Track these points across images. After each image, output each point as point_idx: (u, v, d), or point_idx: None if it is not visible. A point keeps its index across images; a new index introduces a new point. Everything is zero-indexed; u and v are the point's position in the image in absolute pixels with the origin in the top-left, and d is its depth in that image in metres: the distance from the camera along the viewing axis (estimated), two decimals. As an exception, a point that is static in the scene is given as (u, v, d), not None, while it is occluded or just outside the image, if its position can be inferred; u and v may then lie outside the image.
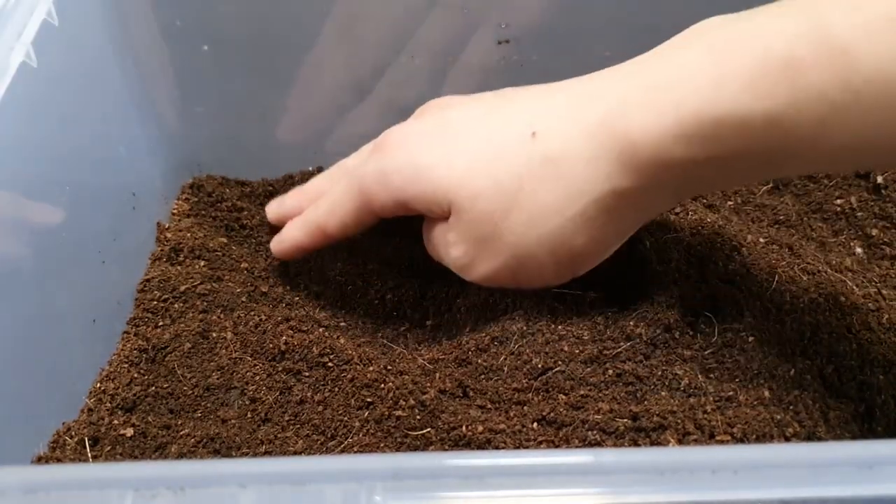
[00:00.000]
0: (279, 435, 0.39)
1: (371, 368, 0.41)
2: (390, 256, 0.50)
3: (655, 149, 0.35)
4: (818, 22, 0.32)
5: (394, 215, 0.44)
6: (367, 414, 0.39)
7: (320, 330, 0.45)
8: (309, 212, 0.48)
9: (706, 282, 0.42)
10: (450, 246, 0.42)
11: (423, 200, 0.41)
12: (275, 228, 0.52)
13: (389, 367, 0.41)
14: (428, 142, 0.42)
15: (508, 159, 0.39)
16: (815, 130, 0.32)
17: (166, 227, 0.53)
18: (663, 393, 0.37)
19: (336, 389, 0.41)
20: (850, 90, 0.31)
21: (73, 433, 0.40)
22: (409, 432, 0.38)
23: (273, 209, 0.53)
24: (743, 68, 0.33)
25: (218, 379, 0.42)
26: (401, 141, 0.43)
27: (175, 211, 0.56)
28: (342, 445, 0.38)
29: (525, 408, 0.38)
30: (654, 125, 0.35)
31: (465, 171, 0.40)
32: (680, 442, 0.35)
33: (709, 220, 0.47)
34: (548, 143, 0.38)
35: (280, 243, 0.49)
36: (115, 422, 0.40)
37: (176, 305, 0.47)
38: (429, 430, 0.37)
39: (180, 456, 0.38)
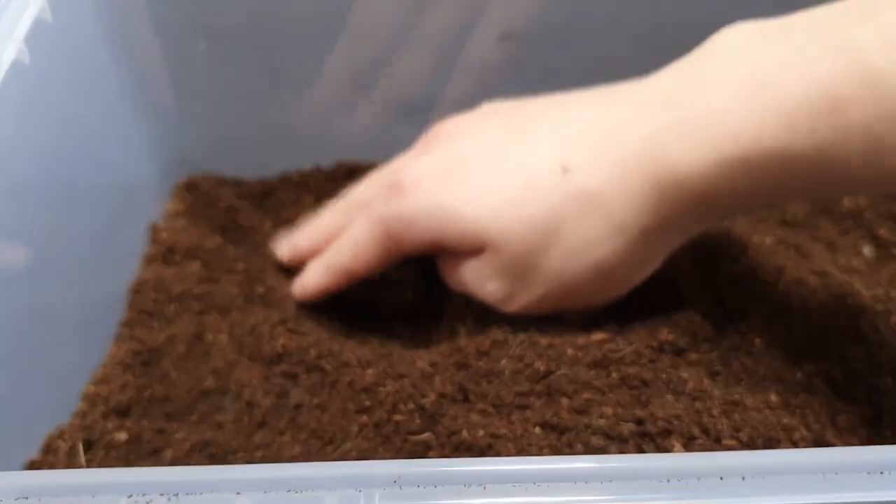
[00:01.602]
0: (276, 439, 0.38)
1: (369, 372, 0.40)
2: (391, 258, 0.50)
3: (699, 185, 0.35)
4: (857, 56, 0.31)
5: (423, 254, 0.44)
6: (365, 418, 0.38)
7: (317, 332, 0.45)
8: (331, 256, 0.47)
9: (712, 283, 0.41)
10: (485, 281, 0.42)
11: (452, 242, 0.41)
12: (273, 230, 0.52)
13: (388, 371, 0.41)
14: (447, 180, 0.41)
15: (540, 196, 0.39)
16: (860, 162, 0.32)
17: (161, 227, 0.53)
18: (669, 397, 0.37)
19: (334, 393, 0.40)
20: (894, 122, 0.31)
21: (65, 437, 0.40)
22: (409, 437, 0.37)
23: (287, 251, 0.51)
24: (783, 106, 0.32)
25: (213, 382, 0.42)
26: (418, 181, 0.42)
27: (170, 211, 0.55)
28: (340, 450, 0.38)
29: (527, 412, 0.38)
30: (697, 162, 0.35)
31: (495, 210, 0.39)
32: (686, 447, 0.35)
33: (714, 220, 0.47)
34: (582, 179, 0.38)
35: (304, 288, 0.48)
36: (109, 426, 0.40)
37: (171, 307, 0.47)
38: (428, 434, 0.37)
39: (175, 461, 0.38)
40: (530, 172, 0.39)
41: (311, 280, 0.48)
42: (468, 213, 0.40)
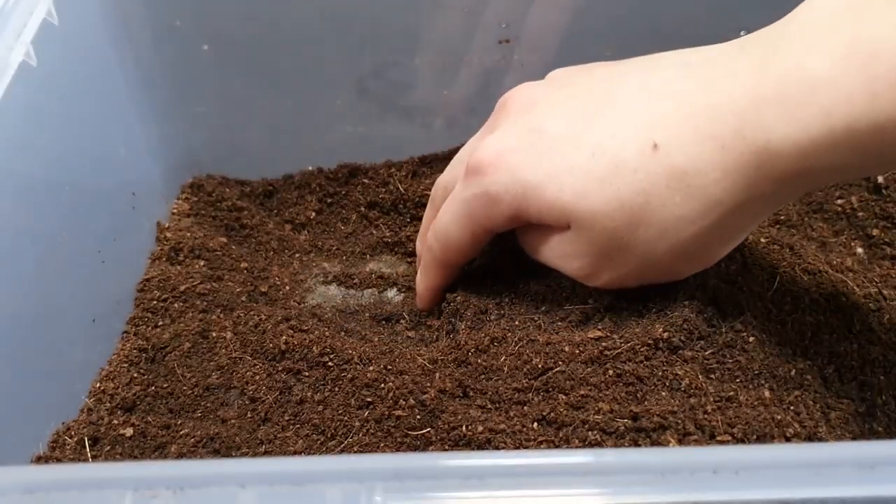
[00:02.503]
0: (279, 435, 0.39)
1: (371, 368, 0.41)
2: (390, 257, 0.50)
3: (800, 159, 0.33)
4: None
5: (508, 229, 0.43)
6: (367, 414, 0.39)
7: (320, 329, 0.45)
8: (426, 255, 0.46)
9: (707, 282, 0.41)
10: (570, 258, 0.40)
11: (536, 218, 0.40)
12: (276, 229, 0.52)
13: (389, 367, 0.41)
14: (527, 156, 0.39)
15: (629, 175, 0.37)
16: None
17: (166, 226, 0.53)
18: (664, 393, 0.37)
19: (336, 389, 0.40)
20: None
21: (72, 433, 0.40)
22: (409, 432, 0.38)
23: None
24: (883, 72, 0.31)
25: (217, 379, 0.42)
26: (497, 159, 0.40)
27: (175, 210, 0.56)
28: (342, 445, 0.38)
29: (525, 408, 0.38)
30: (800, 136, 0.33)
31: (581, 189, 0.38)
32: (680, 442, 0.35)
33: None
34: (673, 157, 0.36)
35: (418, 295, 0.48)
36: (115, 421, 0.40)
37: (176, 305, 0.47)
38: (429, 430, 0.37)
39: (180, 456, 0.38)
40: (617, 149, 0.37)
41: (419, 285, 0.48)
42: (552, 190, 0.38)
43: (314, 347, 0.42)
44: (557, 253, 0.41)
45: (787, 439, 0.36)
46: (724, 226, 0.37)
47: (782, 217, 0.51)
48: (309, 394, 0.41)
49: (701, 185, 0.36)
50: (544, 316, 0.43)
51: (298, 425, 0.39)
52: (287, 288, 0.50)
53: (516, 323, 0.43)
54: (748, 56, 0.35)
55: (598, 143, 0.38)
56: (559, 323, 0.42)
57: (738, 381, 0.38)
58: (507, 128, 0.41)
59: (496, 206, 0.40)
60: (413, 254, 0.53)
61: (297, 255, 0.54)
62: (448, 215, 0.43)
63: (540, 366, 0.39)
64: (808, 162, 0.33)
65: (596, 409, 0.37)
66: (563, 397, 0.38)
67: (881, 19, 0.32)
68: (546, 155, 0.39)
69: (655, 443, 0.35)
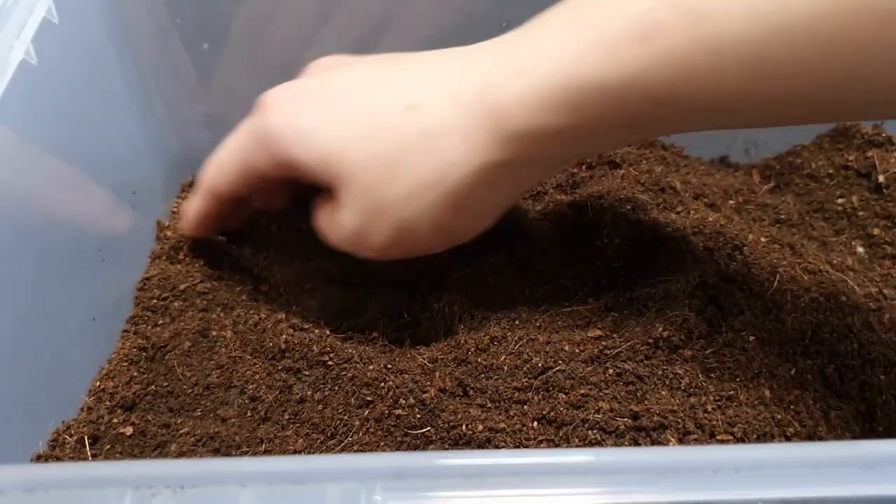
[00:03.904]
0: (279, 434, 0.39)
1: (371, 367, 0.41)
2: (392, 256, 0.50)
3: (526, 119, 0.36)
4: None
5: (280, 177, 0.43)
6: (367, 413, 0.39)
7: (320, 328, 0.45)
8: (202, 178, 0.47)
9: (707, 281, 0.42)
10: (340, 226, 0.41)
11: (304, 166, 0.41)
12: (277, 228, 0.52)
13: (389, 366, 0.41)
14: (308, 103, 0.41)
15: (385, 131, 0.39)
16: (674, 91, 0.33)
17: (166, 225, 0.53)
18: (664, 392, 0.37)
19: (336, 388, 0.40)
20: (711, 52, 0.32)
21: (72, 432, 0.40)
22: (409, 431, 0.38)
23: None
24: (603, 37, 0.34)
25: (217, 378, 0.42)
26: (280, 100, 0.42)
27: (175, 209, 0.56)
28: (342, 444, 0.38)
29: (525, 407, 0.38)
30: (523, 96, 0.36)
31: (345, 140, 0.39)
32: (680, 441, 0.35)
33: (710, 219, 0.47)
34: (424, 117, 0.38)
35: (184, 217, 0.49)
36: (115, 420, 0.40)
37: (175, 304, 0.47)
38: (429, 428, 0.37)
39: (180, 455, 0.38)
40: (380, 107, 0.39)
41: (187, 207, 0.48)
42: (321, 139, 0.40)
43: (314, 346, 0.42)
44: (332, 225, 0.42)
45: (788, 439, 0.36)
46: (464, 193, 0.38)
47: (783, 216, 0.51)
48: (309, 393, 0.41)
49: (445, 146, 0.38)
50: (544, 315, 0.43)
51: (298, 424, 0.39)
52: (287, 287, 0.50)
53: (516, 322, 0.43)
54: (506, 36, 0.38)
55: (368, 100, 0.40)
56: (559, 322, 0.42)
57: (738, 380, 0.38)
58: (301, 79, 0.44)
59: (270, 144, 0.41)
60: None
61: (298, 254, 0.54)
62: (227, 145, 0.45)
63: (540, 365, 0.39)
64: (535, 125, 0.36)
65: (596, 408, 0.37)
66: (564, 396, 0.38)
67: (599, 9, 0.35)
68: (325, 106, 0.41)
69: (655, 442, 0.35)
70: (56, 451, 0.39)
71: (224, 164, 0.45)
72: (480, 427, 0.37)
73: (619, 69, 0.33)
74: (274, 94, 0.43)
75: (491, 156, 0.37)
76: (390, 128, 0.39)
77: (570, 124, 0.35)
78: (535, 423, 0.37)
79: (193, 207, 0.48)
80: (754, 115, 0.35)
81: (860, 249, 0.49)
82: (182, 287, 0.48)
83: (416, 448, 0.37)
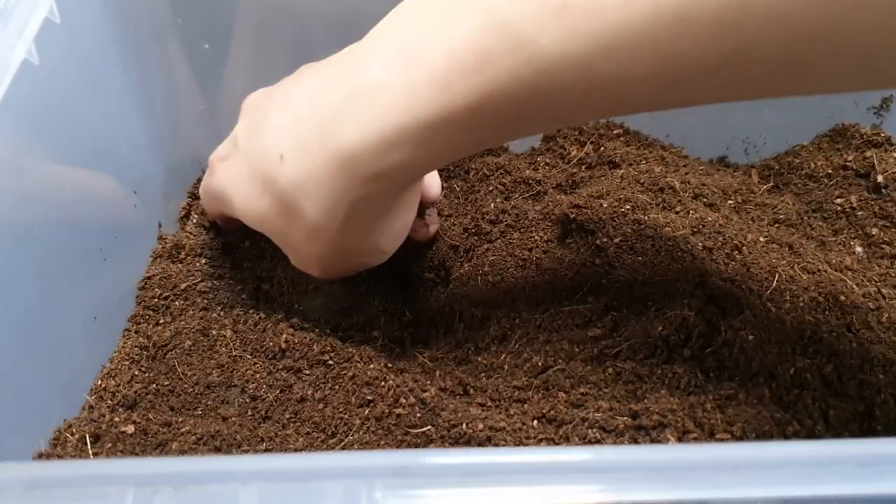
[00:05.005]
0: (279, 433, 0.39)
1: (371, 366, 0.41)
2: (393, 255, 0.50)
3: (376, 158, 0.36)
4: (492, 12, 0.32)
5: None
6: (367, 412, 0.39)
7: (321, 328, 0.45)
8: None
9: (706, 281, 0.42)
10: (286, 253, 0.44)
11: (244, 221, 0.44)
12: None
13: (390, 366, 0.41)
14: (225, 167, 0.44)
15: (270, 186, 0.40)
16: (514, 111, 0.34)
17: (167, 224, 0.53)
18: (663, 391, 0.37)
19: (336, 387, 0.41)
20: (539, 71, 0.32)
21: (74, 430, 0.40)
22: (410, 430, 0.38)
23: None
24: (434, 72, 0.34)
25: (218, 377, 0.42)
26: (215, 163, 0.45)
27: (177, 209, 0.56)
28: (343, 443, 0.38)
29: (525, 406, 0.38)
30: (365, 137, 0.36)
31: (246, 199, 0.42)
32: (680, 440, 0.35)
33: (709, 219, 0.47)
34: (289, 169, 0.39)
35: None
36: (116, 419, 0.40)
37: (176, 303, 0.47)
38: (429, 427, 0.38)
39: (181, 453, 0.38)
40: (263, 162, 0.40)
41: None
42: (234, 200, 0.43)
43: (314, 346, 0.42)
44: (302, 266, 0.45)
45: (787, 438, 0.36)
46: (353, 226, 0.40)
47: (781, 216, 0.51)
48: (309, 392, 0.41)
49: (311, 195, 0.38)
50: (544, 315, 0.43)
51: (299, 423, 0.39)
52: (290, 286, 0.50)
53: (516, 322, 0.43)
54: (340, 65, 0.38)
55: (255, 156, 0.41)
56: (559, 321, 0.42)
57: (737, 379, 0.38)
58: (230, 136, 0.45)
59: (215, 200, 0.46)
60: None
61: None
62: (203, 189, 0.49)
63: (540, 364, 0.39)
64: (384, 161, 0.36)
65: (595, 407, 0.37)
66: (563, 395, 0.38)
67: (425, 22, 0.35)
68: (233, 167, 0.43)
69: (655, 441, 0.35)
70: (58, 449, 0.39)
71: (205, 205, 0.50)
72: (481, 426, 0.37)
73: (455, 102, 0.34)
74: (212, 157, 0.46)
75: (356, 193, 0.38)
76: (272, 182, 0.40)
77: (417, 157, 0.36)
78: (535, 422, 0.37)
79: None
80: (599, 112, 0.37)
81: (859, 249, 0.49)
82: (183, 286, 0.48)
83: (416, 447, 0.37)
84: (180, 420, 0.40)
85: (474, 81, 0.33)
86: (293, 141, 0.39)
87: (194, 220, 0.54)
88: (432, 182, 0.49)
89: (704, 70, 0.30)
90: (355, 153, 0.36)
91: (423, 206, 0.50)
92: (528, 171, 0.54)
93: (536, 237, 0.49)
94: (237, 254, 0.51)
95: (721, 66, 0.30)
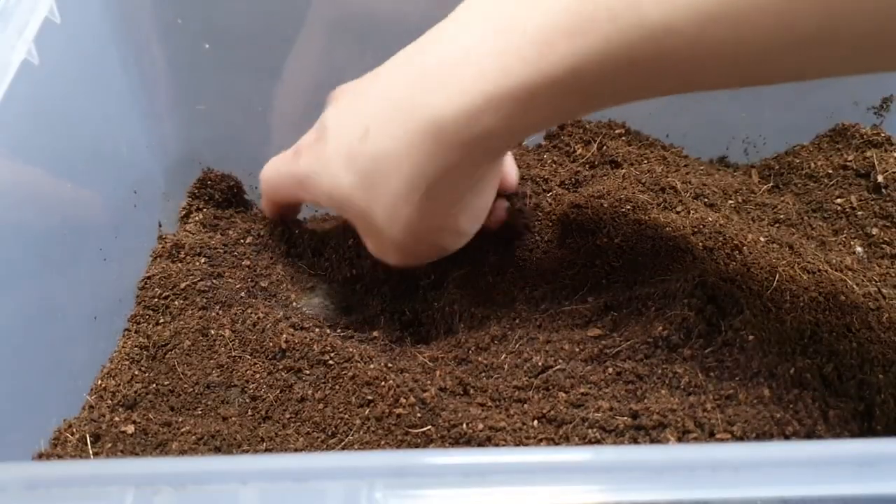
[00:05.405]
0: (280, 433, 0.39)
1: (372, 366, 0.41)
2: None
3: (465, 125, 0.36)
4: None
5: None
6: (367, 412, 0.39)
7: (321, 327, 0.45)
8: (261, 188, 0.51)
9: (706, 280, 0.42)
10: (364, 240, 0.44)
11: (322, 202, 0.44)
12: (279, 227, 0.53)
13: (390, 365, 0.41)
14: (314, 150, 0.44)
15: (354, 162, 0.40)
16: (611, 78, 0.34)
17: (167, 224, 0.53)
18: (663, 391, 0.37)
19: (337, 387, 0.41)
20: (642, 37, 0.32)
21: (74, 430, 0.40)
22: (410, 430, 0.38)
23: None
24: (533, 34, 0.34)
25: (218, 377, 0.42)
26: (303, 148, 0.45)
27: (177, 209, 0.56)
28: (343, 443, 0.38)
29: (525, 406, 0.38)
30: (452, 104, 0.36)
31: (335, 177, 0.42)
32: (680, 440, 0.35)
33: (710, 218, 0.47)
34: (378, 141, 0.39)
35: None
36: (116, 419, 0.40)
37: (176, 302, 0.47)
38: (429, 427, 0.37)
39: (181, 453, 0.38)
40: (349, 137, 0.40)
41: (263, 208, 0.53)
42: (323, 179, 0.42)
43: (314, 346, 0.42)
44: (378, 253, 0.45)
45: (787, 437, 0.36)
46: (432, 201, 0.39)
47: (782, 216, 0.51)
48: (310, 392, 0.41)
49: (399, 165, 0.38)
50: (544, 314, 0.43)
51: (299, 423, 0.39)
52: (289, 284, 0.50)
53: (516, 321, 0.43)
54: (429, 41, 0.39)
55: (343, 134, 0.41)
56: (559, 321, 0.42)
57: (737, 379, 0.38)
58: (317, 122, 0.45)
59: (297, 184, 0.45)
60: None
61: (302, 252, 0.54)
62: (274, 169, 0.48)
63: (540, 364, 0.39)
64: (476, 126, 0.36)
65: (596, 406, 0.37)
66: (563, 395, 0.38)
67: (520, 3, 0.35)
68: (320, 149, 0.43)
69: (655, 441, 0.35)
70: (58, 449, 0.39)
71: (268, 186, 0.49)
72: (481, 426, 0.37)
73: (553, 66, 0.33)
74: (300, 143, 0.46)
75: (448, 160, 0.38)
76: (355, 158, 0.40)
77: (509, 124, 0.36)
78: (535, 422, 0.37)
79: (264, 207, 0.52)
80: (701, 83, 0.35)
81: (859, 249, 0.49)
82: (183, 285, 0.48)
83: (416, 446, 0.37)
84: (180, 420, 0.40)
85: (575, 45, 0.33)
86: (380, 114, 0.39)
87: (195, 220, 0.54)
88: (511, 169, 0.49)
89: (824, 37, 0.29)
90: (447, 119, 0.36)
91: (501, 192, 0.49)
92: (535, 170, 0.54)
93: (537, 237, 0.49)
94: (238, 253, 0.51)
95: (843, 30, 0.29)
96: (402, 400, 0.39)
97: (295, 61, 0.55)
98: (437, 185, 0.39)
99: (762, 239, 0.46)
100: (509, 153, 0.49)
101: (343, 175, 0.41)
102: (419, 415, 0.38)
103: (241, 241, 0.52)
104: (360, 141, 0.39)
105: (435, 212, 0.40)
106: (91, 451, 0.39)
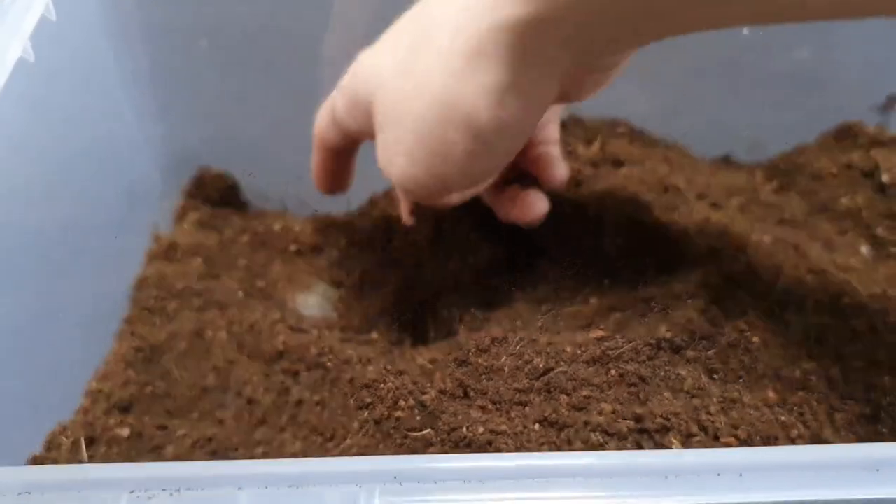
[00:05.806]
0: (276, 436, 0.39)
1: (370, 369, 0.41)
2: (392, 255, 0.50)
3: (549, 11, 0.32)
4: None
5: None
6: (366, 414, 0.39)
7: (318, 329, 0.45)
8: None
9: (710, 281, 0.41)
10: (392, 155, 0.40)
11: (358, 97, 0.42)
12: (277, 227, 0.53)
13: (389, 368, 0.41)
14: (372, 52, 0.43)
15: (399, 36, 0.40)
16: None
17: (163, 224, 0.53)
18: (667, 394, 0.37)
19: (335, 390, 0.40)
20: None
21: (68, 433, 0.40)
22: (409, 433, 0.37)
23: None
24: None
25: (214, 380, 0.42)
26: (357, 66, 0.43)
27: (173, 208, 0.56)
28: (341, 447, 0.38)
29: (526, 409, 0.38)
30: None
31: (375, 62, 0.41)
32: (684, 444, 0.35)
33: (714, 218, 0.47)
34: (429, 13, 0.38)
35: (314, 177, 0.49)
36: (111, 422, 0.40)
37: (172, 304, 0.47)
38: (429, 430, 0.37)
39: (176, 457, 0.38)
40: (391, 45, 0.40)
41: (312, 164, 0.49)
42: (362, 69, 0.41)
43: (312, 348, 0.42)
44: (386, 157, 0.40)
45: (792, 441, 0.35)
46: (471, 67, 0.35)
47: (787, 216, 0.51)
48: (307, 395, 0.40)
49: (446, 23, 0.36)
50: (546, 316, 0.42)
51: (296, 427, 0.39)
52: (286, 285, 0.50)
53: (517, 323, 0.43)
54: None
55: (379, 51, 0.41)
56: (561, 323, 0.42)
57: (741, 382, 0.38)
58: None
59: (352, 102, 0.43)
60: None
61: (300, 252, 0.54)
62: (327, 103, 0.46)
63: (541, 366, 0.39)
64: (558, 14, 0.32)
65: (598, 410, 0.37)
66: (565, 398, 0.37)
67: None
68: (373, 56, 0.41)
69: (658, 444, 0.35)
70: (52, 452, 0.39)
71: (323, 117, 0.46)
72: (481, 429, 0.36)
73: None
74: (356, 63, 0.44)
75: (526, 57, 0.34)
76: (399, 34, 0.40)
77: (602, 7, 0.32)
78: (537, 426, 0.37)
79: (313, 161, 0.48)
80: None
81: (864, 250, 0.48)
82: (178, 286, 0.48)
83: (415, 451, 0.37)
84: (176, 423, 0.40)
85: None
86: (453, 19, 0.36)
87: (191, 219, 0.54)
88: (559, 161, 0.47)
89: None
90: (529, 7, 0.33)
91: (544, 182, 0.47)
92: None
93: (538, 236, 0.48)
94: (234, 253, 0.51)
95: None
96: (402, 403, 0.38)
97: (293, 59, 0.55)
98: (477, 45, 0.35)
99: (767, 239, 0.46)
100: (557, 144, 0.47)
101: (384, 57, 0.40)
102: (418, 418, 0.38)
103: (238, 240, 0.52)
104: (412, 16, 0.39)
105: (465, 93, 0.36)
106: (85, 455, 0.39)
